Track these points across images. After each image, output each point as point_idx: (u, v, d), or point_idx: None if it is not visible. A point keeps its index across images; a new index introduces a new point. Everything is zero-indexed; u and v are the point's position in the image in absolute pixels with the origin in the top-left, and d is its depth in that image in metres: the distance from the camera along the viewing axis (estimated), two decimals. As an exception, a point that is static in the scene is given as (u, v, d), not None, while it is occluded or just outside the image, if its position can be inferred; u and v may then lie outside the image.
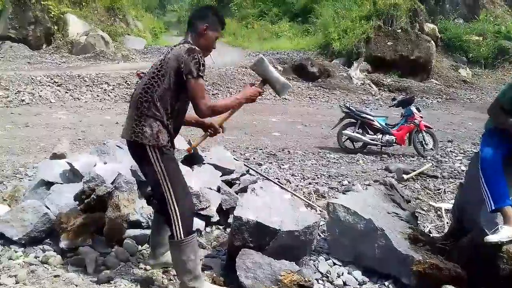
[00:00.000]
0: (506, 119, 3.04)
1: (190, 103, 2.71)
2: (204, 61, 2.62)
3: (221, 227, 3.95)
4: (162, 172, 2.60)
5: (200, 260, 3.20)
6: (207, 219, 3.88)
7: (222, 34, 2.91)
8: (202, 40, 2.77)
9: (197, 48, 2.65)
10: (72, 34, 18.18)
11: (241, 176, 4.54)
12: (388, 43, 18.65)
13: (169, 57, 2.64)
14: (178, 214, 2.61)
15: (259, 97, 2.88)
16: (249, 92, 2.82)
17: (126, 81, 13.57)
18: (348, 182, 5.80)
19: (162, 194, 2.62)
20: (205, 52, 2.76)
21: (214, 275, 3.11)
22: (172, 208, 2.61)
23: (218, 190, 4.06)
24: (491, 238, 2.75)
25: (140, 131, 2.60)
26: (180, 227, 2.62)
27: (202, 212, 3.82)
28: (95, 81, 13.20)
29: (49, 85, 12.33)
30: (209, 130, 2.99)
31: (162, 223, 2.97)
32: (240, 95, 2.82)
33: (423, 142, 8.00)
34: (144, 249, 3.41)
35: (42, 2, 17.94)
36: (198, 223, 3.76)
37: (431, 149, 8.02)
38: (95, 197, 3.46)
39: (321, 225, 3.91)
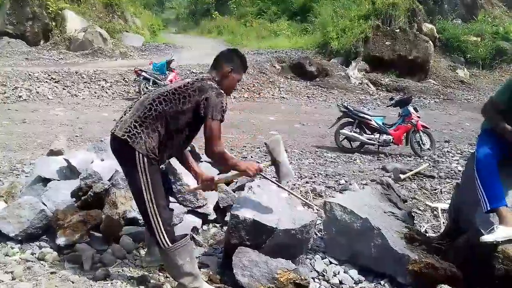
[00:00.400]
0: (498, 121, 3.06)
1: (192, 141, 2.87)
2: (226, 105, 2.72)
3: (218, 225, 3.96)
4: (146, 182, 2.59)
5: (197, 258, 3.22)
6: (204, 217, 3.89)
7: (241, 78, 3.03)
8: (226, 81, 2.87)
9: (224, 93, 2.75)
10: (70, 31, 18.15)
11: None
12: (386, 43, 18.67)
13: (197, 86, 2.70)
14: (160, 223, 2.62)
15: (257, 174, 2.95)
16: (252, 166, 2.88)
17: (124, 78, 13.56)
18: (345, 181, 5.81)
19: (144, 204, 2.61)
20: (227, 92, 2.87)
21: (211, 273, 3.11)
22: (155, 218, 2.61)
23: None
24: (487, 238, 2.76)
25: (135, 135, 2.58)
26: (165, 235, 2.62)
27: (199, 210, 3.83)
28: (93, 78, 13.19)
29: (46, 81, 12.32)
30: (204, 182, 3.02)
31: None
32: (245, 164, 2.92)
33: (420, 142, 8.02)
34: (141, 247, 3.41)
35: (40, -2, 17.90)
36: (195, 221, 3.77)
37: (428, 149, 8.04)
38: (92, 194, 3.46)
39: (317, 224, 3.91)
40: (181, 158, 3.10)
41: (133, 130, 2.59)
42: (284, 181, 3.12)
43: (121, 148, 2.64)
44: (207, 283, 2.91)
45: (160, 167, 2.77)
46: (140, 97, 2.79)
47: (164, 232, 2.62)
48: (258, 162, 4.05)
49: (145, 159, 2.58)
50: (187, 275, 2.68)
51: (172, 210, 3.08)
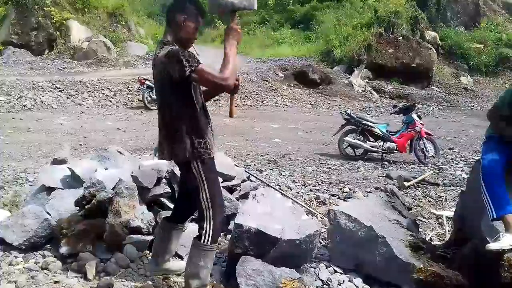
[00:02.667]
0: (503, 126, 3.05)
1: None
2: (188, 53, 2.46)
3: (221, 233, 3.94)
4: (202, 183, 2.63)
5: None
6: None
7: (203, 22, 2.73)
8: (182, 33, 2.63)
9: (174, 47, 2.51)
10: (74, 40, 18.28)
11: (241, 182, 4.53)
12: (389, 51, 18.70)
13: (158, 70, 2.57)
14: (212, 222, 2.65)
15: (239, 29, 2.65)
16: (231, 34, 2.60)
17: (128, 87, 13.63)
18: (349, 189, 5.80)
19: (201, 205, 2.66)
20: (187, 45, 2.66)
21: (214, 282, 3.10)
22: (209, 215, 2.64)
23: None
24: (493, 246, 2.74)
25: (180, 151, 2.60)
26: (211, 234, 2.64)
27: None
28: (97, 86, 13.26)
29: (50, 90, 12.39)
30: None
31: (171, 234, 3.01)
32: (229, 44, 2.59)
33: (424, 150, 7.99)
34: (145, 255, 3.40)
35: (45, 8, 18.06)
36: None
37: (432, 156, 8.01)
38: (95, 202, 3.46)
39: (322, 233, 3.90)
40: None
41: (174, 151, 2.62)
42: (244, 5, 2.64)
43: (180, 165, 2.79)
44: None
45: (213, 157, 2.73)
46: (159, 115, 2.71)
47: (212, 231, 2.64)
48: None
49: (198, 161, 2.61)
50: (198, 279, 2.68)
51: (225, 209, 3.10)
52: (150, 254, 3.37)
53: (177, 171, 3.71)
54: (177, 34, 2.63)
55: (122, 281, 3.01)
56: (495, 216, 2.86)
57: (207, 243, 2.64)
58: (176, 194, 3.20)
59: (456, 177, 6.69)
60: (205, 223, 2.65)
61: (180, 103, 2.59)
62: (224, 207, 2.88)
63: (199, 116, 2.65)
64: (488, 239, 2.84)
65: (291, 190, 5.53)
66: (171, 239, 3.04)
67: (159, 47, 2.61)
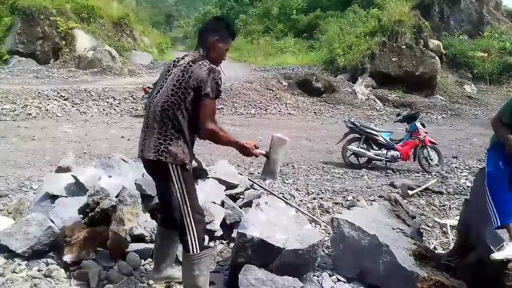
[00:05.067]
0: (504, 132, 3.05)
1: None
2: (221, 81, 2.68)
3: (224, 241, 3.93)
4: (181, 190, 2.64)
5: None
6: (210, 234, 3.86)
7: (232, 45, 2.92)
8: (212, 53, 2.77)
9: (216, 68, 2.68)
10: (80, 49, 18.43)
11: (245, 190, 4.53)
12: (393, 59, 18.73)
13: (189, 75, 2.63)
14: (194, 229, 2.66)
15: (252, 152, 2.91)
16: (248, 150, 2.88)
17: (132, 95, 13.69)
18: (353, 197, 5.78)
19: (180, 211, 2.65)
20: (216, 64, 2.78)
21: (217, 290, 3.09)
22: (189, 223, 2.65)
23: (222, 204, 4.05)
24: (497, 255, 2.72)
25: (165, 150, 2.61)
26: (196, 242, 2.66)
27: (206, 227, 3.81)
28: (102, 95, 13.33)
29: (56, 99, 12.46)
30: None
31: (167, 237, 3.00)
32: (241, 142, 2.85)
33: (428, 158, 7.97)
34: (148, 263, 3.40)
35: (51, 18, 18.23)
36: (201, 238, 3.75)
37: (436, 164, 7.99)
38: (99, 210, 3.47)
39: (325, 241, 3.88)
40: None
41: (161, 148, 2.61)
42: (263, 177, 3.01)
43: (155, 167, 2.71)
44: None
45: (191, 168, 2.77)
46: (149, 113, 2.75)
47: (197, 239, 2.66)
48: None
49: (179, 168, 2.63)
50: None
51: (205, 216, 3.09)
52: (154, 261, 3.37)
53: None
54: (207, 53, 2.77)
55: (125, 289, 3.00)
56: (499, 225, 2.85)
57: (195, 252, 2.66)
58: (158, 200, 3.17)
59: (460, 186, 6.67)
60: (187, 233, 2.66)
61: (190, 110, 2.64)
62: (204, 216, 2.88)
63: (195, 128, 2.72)
64: (492, 248, 2.82)
65: (294, 198, 5.52)
66: (169, 245, 3.04)
67: (191, 57, 2.74)
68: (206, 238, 3.74)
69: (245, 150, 2.87)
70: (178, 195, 2.64)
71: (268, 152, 3.05)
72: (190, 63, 2.67)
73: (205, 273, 2.73)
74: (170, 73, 2.76)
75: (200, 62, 2.67)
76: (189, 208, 2.65)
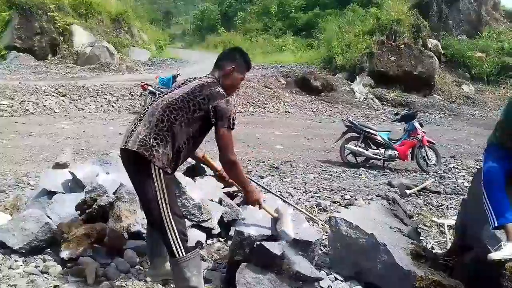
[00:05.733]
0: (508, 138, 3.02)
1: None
2: (234, 112, 2.73)
3: (222, 239, 3.93)
4: (162, 191, 2.55)
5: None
6: (208, 231, 3.86)
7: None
8: (228, 81, 2.86)
9: (228, 97, 2.73)
10: (78, 45, 18.40)
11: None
12: (391, 58, 18.76)
13: (205, 94, 2.66)
14: (176, 233, 2.59)
15: (254, 206, 2.97)
16: (257, 199, 2.91)
17: (130, 92, 13.66)
18: (351, 196, 5.79)
19: (160, 213, 2.57)
20: (230, 91, 2.87)
21: (214, 288, 3.08)
22: (170, 226, 2.58)
23: (220, 202, 4.05)
24: (494, 255, 2.72)
25: (151, 147, 2.52)
26: (180, 243, 2.60)
27: (203, 224, 3.80)
28: (99, 92, 13.30)
29: (53, 95, 12.43)
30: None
31: (153, 240, 3.00)
32: (252, 189, 2.91)
33: (426, 158, 7.99)
34: (145, 260, 3.39)
35: (49, 13, 18.18)
36: (199, 235, 3.75)
37: (434, 164, 8.00)
38: (96, 207, 3.46)
39: (322, 240, 3.88)
40: (193, 155, 3.21)
41: (149, 143, 2.53)
42: (280, 239, 2.98)
43: (136, 161, 2.57)
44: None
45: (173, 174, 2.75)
46: (148, 108, 2.70)
47: (179, 241, 2.59)
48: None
49: (161, 171, 2.55)
50: None
51: (185, 218, 3.08)
52: (149, 258, 3.37)
53: (177, 176, 3.70)
54: (223, 79, 2.85)
55: (122, 286, 2.99)
56: (496, 225, 2.85)
57: (182, 254, 2.60)
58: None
59: (457, 186, 6.68)
60: (168, 233, 2.58)
61: (192, 126, 2.66)
62: (184, 219, 2.82)
63: (192, 146, 2.77)
64: (489, 248, 2.82)
65: (292, 196, 5.52)
66: (159, 241, 2.95)
67: (209, 79, 2.80)
68: (202, 235, 3.75)
69: (253, 196, 2.89)
70: (158, 195, 2.55)
71: (275, 218, 3.09)
72: (210, 84, 2.74)
73: (195, 272, 2.66)
74: (184, 83, 2.81)
75: (219, 89, 2.73)
76: (168, 208, 2.57)
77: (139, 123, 2.64)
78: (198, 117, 2.64)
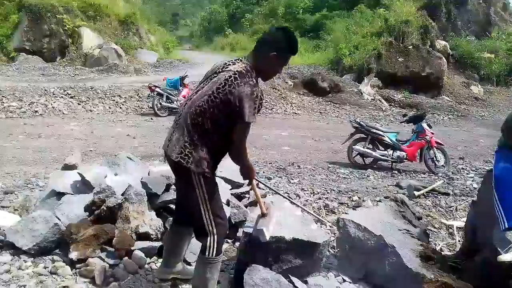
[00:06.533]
0: None
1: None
2: (261, 103, 2.58)
3: (230, 240, 3.93)
4: (204, 198, 2.59)
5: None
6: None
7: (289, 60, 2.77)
8: (266, 66, 2.64)
9: (258, 89, 2.53)
10: (86, 47, 18.52)
11: (250, 189, 4.52)
12: (399, 59, 18.68)
13: (233, 86, 2.48)
14: (215, 234, 2.63)
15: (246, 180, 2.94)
16: (252, 174, 2.81)
17: (138, 93, 13.72)
18: (358, 197, 5.76)
19: (202, 219, 2.61)
20: (265, 77, 2.74)
21: (222, 289, 3.08)
22: (211, 230, 2.62)
23: (228, 203, 4.05)
24: (504, 257, 2.70)
25: (188, 155, 2.53)
26: (215, 246, 2.64)
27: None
28: (108, 93, 13.37)
29: (62, 96, 12.51)
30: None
31: (179, 235, 3.02)
32: (251, 166, 2.78)
33: (434, 159, 7.94)
34: (153, 262, 3.40)
35: (57, 16, 18.33)
36: (207, 237, 3.75)
37: (443, 165, 7.95)
38: (105, 208, 3.47)
39: (330, 241, 3.87)
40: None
41: (185, 151, 2.53)
42: (255, 233, 2.94)
43: (177, 167, 2.62)
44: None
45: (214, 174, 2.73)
46: (182, 112, 2.66)
47: (217, 243, 2.64)
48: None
49: (201, 177, 2.55)
50: None
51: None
52: (159, 260, 3.38)
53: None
54: (261, 64, 2.62)
55: (130, 287, 3.00)
56: (507, 226, 2.82)
57: (212, 255, 2.64)
58: (176, 192, 3.13)
59: (466, 187, 6.63)
60: (209, 236, 2.63)
61: (222, 125, 2.57)
62: (226, 220, 2.84)
63: (227, 143, 2.63)
64: (499, 249, 2.80)
65: (299, 198, 5.51)
66: (180, 242, 3.05)
67: (239, 67, 2.56)
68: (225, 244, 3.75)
69: (249, 172, 2.78)
70: (200, 200, 2.59)
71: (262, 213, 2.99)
72: (237, 75, 2.50)
73: (215, 277, 2.72)
74: (215, 75, 2.63)
75: (246, 79, 2.51)
76: (210, 213, 2.60)
77: (176, 128, 2.65)
78: (228, 114, 2.52)
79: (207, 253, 2.63)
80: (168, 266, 3.08)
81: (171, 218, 3.37)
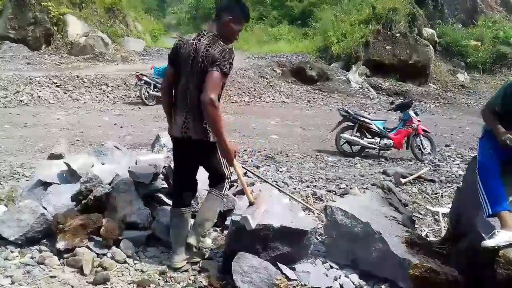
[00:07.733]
0: (493, 122, 3.07)
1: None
2: (233, 61, 2.90)
3: (218, 229, 3.95)
4: (219, 155, 3.11)
5: (197, 263, 3.27)
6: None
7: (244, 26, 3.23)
8: (225, 31, 2.99)
9: (229, 47, 2.89)
10: (72, 35, 18.20)
11: (237, 179, 4.53)
12: (387, 47, 18.71)
13: (208, 60, 2.84)
14: (228, 180, 3.27)
15: (225, 160, 3.12)
16: (229, 152, 2.99)
17: (125, 82, 13.59)
18: (346, 185, 5.81)
19: (221, 168, 3.19)
20: (228, 42, 2.99)
21: (211, 277, 3.10)
22: (228, 174, 3.23)
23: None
24: (488, 242, 2.74)
25: (210, 131, 2.97)
26: (227, 186, 3.28)
27: (199, 214, 3.81)
28: (94, 82, 13.22)
29: (48, 85, 12.35)
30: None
31: (182, 217, 3.22)
32: (227, 141, 2.95)
33: (421, 146, 8.01)
34: (141, 251, 3.40)
35: (42, 3, 17.95)
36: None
37: (429, 153, 8.03)
38: (92, 197, 3.46)
39: (318, 228, 3.90)
40: None
41: (209, 130, 2.96)
42: (242, 221, 3.07)
43: (203, 147, 3.06)
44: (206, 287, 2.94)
45: None
46: (186, 95, 2.98)
47: (228, 185, 3.30)
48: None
49: (216, 143, 3.03)
50: (212, 221, 3.28)
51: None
52: (148, 249, 3.39)
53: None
54: (221, 31, 2.99)
55: (118, 276, 3.01)
56: (490, 213, 2.87)
57: (224, 192, 3.28)
58: (178, 175, 3.30)
59: (452, 174, 6.72)
60: (225, 181, 3.24)
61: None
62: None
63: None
64: (483, 235, 2.85)
65: (288, 186, 5.54)
66: (187, 225, 3.28)
67: (207, 38, 2.94)
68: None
69: (228, 152, 2.99)
70: (219, 158, 3.12)
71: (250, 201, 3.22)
72: (208, 48, 2.87)
73: (216, 215, 3.34)
74: (192, 56, 2.92)
75: (216, 44, 2.87)
76: (226, 164, 3.17)
77: (189, 112, 2.99)
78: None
79: (223, 191, 3.25)
80: (179, 254, 3.17)
81: (169, 208, 3.41)
